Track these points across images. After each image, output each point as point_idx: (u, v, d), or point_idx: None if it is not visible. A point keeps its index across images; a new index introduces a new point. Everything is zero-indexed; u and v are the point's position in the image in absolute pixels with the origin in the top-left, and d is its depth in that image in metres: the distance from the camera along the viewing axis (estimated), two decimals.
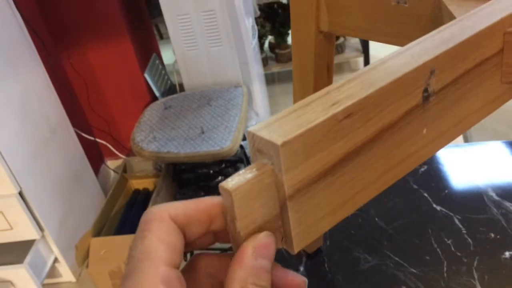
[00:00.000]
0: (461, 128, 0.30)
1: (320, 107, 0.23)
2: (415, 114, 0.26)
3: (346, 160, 0.24)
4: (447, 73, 0.27)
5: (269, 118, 0.23)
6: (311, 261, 0.71)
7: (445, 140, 0.29)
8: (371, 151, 0.25)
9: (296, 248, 0.24)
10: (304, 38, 0.51)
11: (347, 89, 0.24)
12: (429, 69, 0.26)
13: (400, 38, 0.42)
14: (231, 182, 0.21)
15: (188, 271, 0.25)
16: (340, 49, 2.64)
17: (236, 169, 1.87)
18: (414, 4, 0.40)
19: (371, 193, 0.26)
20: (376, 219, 0.76)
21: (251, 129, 0.22)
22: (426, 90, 0.26)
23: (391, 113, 0.25)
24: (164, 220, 0.23)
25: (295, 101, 0.62)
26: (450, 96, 0.28)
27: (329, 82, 0.57)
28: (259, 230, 0.23)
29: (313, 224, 0.24)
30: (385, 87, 0.24)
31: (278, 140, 0.21)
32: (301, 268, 0.70)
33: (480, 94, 0.29)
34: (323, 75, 0.56)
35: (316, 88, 0.56)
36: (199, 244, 0.25)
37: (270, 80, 2.76)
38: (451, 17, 0.34)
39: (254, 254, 0.22)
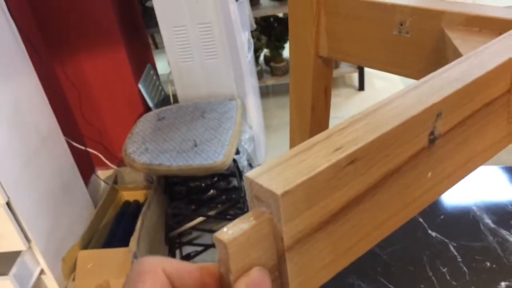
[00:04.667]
0: (467, 169, 0.28)
1: (323, 152, 0.22)
2: (421, 158, 0.25)
3: (348, 208, 0.23)
4: (454, 114, 0.26)
5: (269, 162, 0.21)
6: None
7: (450, 182, 0.27)
8: (374, 197, 0.23)
9: None
10: (303, 62, 0.50)
11: (351, 132, 0.23)
12: (436, 111, 0.25)
13: (400, 67, 0.41)
14: (227, 233, 0.20)
15: None
16: (335, 64, 2.64)
17: (228, 183, 1.85)
18: (417, 35, 0.39)
19: (373, 241, 0.25)
20: None
21: (248, 174, 0.21)
22: (432, 133, 0.25)
23: (396, 158, 0.24)
24: (158, 275, 0.22)
25: (291, 123, 0.61)
26: (457, 138, 0.27)
27: (326, 104, 0.56)
28: None
29: (312, 275, 0.22)
30: (391, 131, 0.23)
31: (279, 190, 0.20)
32: None
33: (487, 134, 0.28)
34: (320, 98, 0.55)
35: (314, 111, 0.55)
36: None
37: (265, 93, 2.75)
38: (455, 51, 0.33)
39: None
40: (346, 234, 0.23)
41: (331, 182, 0.21)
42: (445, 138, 0.26)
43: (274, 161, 0.22)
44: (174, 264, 0.22)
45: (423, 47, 0.39)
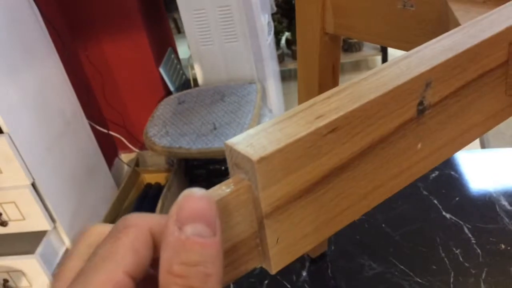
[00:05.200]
0: (461, 142, 0.28)
1: (304, 120, 0.22)
2: (409, 128, 0.25)
3: (331, 177, 0.22)
4: (446, 85, 0.25)
5: (249, 130, 0.22)
6: (314, 266, 0.70)
7: (442, 155, 0.27)
8: (358, 166, 0.23)
9: (274, 269, 0.22)
10: (309, 39, 0.50)
11: (335, 101, 0.23)
12: (425, 81, 0.24)
13: (405, 42, 0.41)
14: None
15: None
16: (358, 47, 2.60)
17: None
18: (421, 8, 0.38)
19: (359, 211, 0.25)
20: (383, 225, 0.74)
21: (228, 141, 0.21)
22: (421, 103, 0.25)
23: (381, 127, 0.23)
24: (143, 232, 0.21)
25: (299, 102, 0.60)
26: (449, 109, 0.26)
27: (334, 83, 0.56)
28: (235, 248, 0.22)
29: (293, 243, 0.23)
30: (375, 100, 0.22)
31: (254, 156, 0.20)
32: (304, 273, 0.69)
33: (482, 107, 0.28)
34: (328, 76, 0.54)
35: (321, 90, 0.55)
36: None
37: (287, 76, 2.74)
38: (457, 23, 0.32)
39: (177, 224, 0.18)
40: (329, 203, 0.23)
41: (310, 150, 0.21)
42: (436, 109, 0.25)
43: (254, 129, 0.22)
44: (158, 220, 0.21)
45: (427, 20, 0.38)
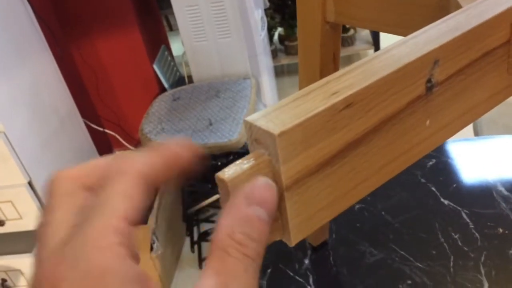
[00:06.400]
0: (466, 119, 0.29)
1: (320, 96, 0.23)
2: (418, 105, 0.26)
3: (346, 151, 0.23)
4: (452, 63, 0.26)
5: (267, 108, 0.22)
6: (316, 254, 0.71)
7: (449, 131, 0.28)
8: (371, 142, 0.24)
9: (294, 240, 0.23)
10: (310, 28, 0.51)
11: (348, 79, 0.24)
12: (433, 59, 0.25)
13: (406, 28, 0.41)
14: (228, 172, 0.21)
15: None
16: (350, 41, 2.61)
17: None
18: None
19: (372, 185, 0.25)
20: (383, 213, 0.75)
21: (248, 118, 0.22)
22: (429, 80, 0.25)
23: (393, 104, 0.24)
24: (135, 178, 0.21)
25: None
26: (455, 86, 0.27)
27: (335, 71, 0.57)
28: None
29: (311, 215, 0.23)
30: (387, 77, 0.23)
31: (275, 130, 0.20)
32: (306, 261, 0.70)
33: (486, 85, 0.29)
34: (329, 65, 0.55)
35: (322, 78, 0.56)
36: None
37: (280, 72, 2.74)
38: (458, 7, 0.33)
39: (248, 200, 0.20)
40: (345, 177, 0.24)
41: (328, 125, 0.22)
42: (443, 86, 0.26)
43: (273, 106, 0.22)
44: (147, 161, 0.22)
45: (428, 5, 0.39)
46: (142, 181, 0.21)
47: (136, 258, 0.20)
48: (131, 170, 0.21)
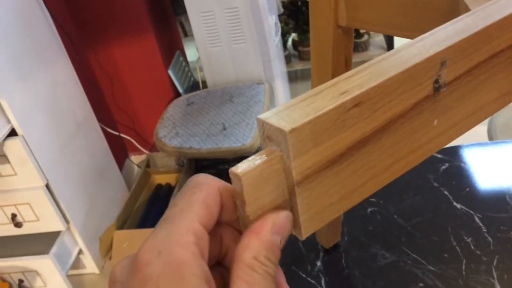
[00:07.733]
0: (474, 120, 0.30)
1: (329, 96, 0.23)
2: (426, 105, 0.26)
3: (355, 149, 0.24)
4: (460, 64, 0.27)
5: (278, 107, 0.23)
6: (328, 256, 0.71)
7: (457, 131, 0.29)
8: (380, 140, 0.25)
9: (304, 234, 0.24)
10: (323, 33, 0.52)
11: (357, 79, 0.24)
12: (440, 60, 0.26)
13: (417, 32, 0.42)
14: (241, 167, 0.22)
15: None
16: (364, 46, 2.61)
17: None
18: None
19: (380, 183, 0.26)
20: (395, 216, 0.75)
21: (260, 116, 0.23)
22: (437, 81, 0.26)
23: (400, 103, 0.25)
24: (214, 190, 0.24)
25: None
26: (463, 87, 0.28)
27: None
28: None
29: (321, 210, 0.24)
30: (395, 77, 0.24)
31: (286, 127, 0.21)
32: (318, 263, 0.70)
33: (494, 86, 0.29)
34: (341, 69, 0.56)
35: None
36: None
37: (293, 77, 2.75)
38: (468, 10, 0.34)
39: (273, 229, 0.23)
40: (353, 174, 0.25)
41: (337, 123, 0.23)
42: (451, 87, 0.27)
43: (284, 105, 0.23)
44: (224, 183, 0.25)
45: (438, 9, 0.40)
46: (219, 194, 0.25)
47: (205, 259, 0.23)
48: (211, 182, 0.25)
